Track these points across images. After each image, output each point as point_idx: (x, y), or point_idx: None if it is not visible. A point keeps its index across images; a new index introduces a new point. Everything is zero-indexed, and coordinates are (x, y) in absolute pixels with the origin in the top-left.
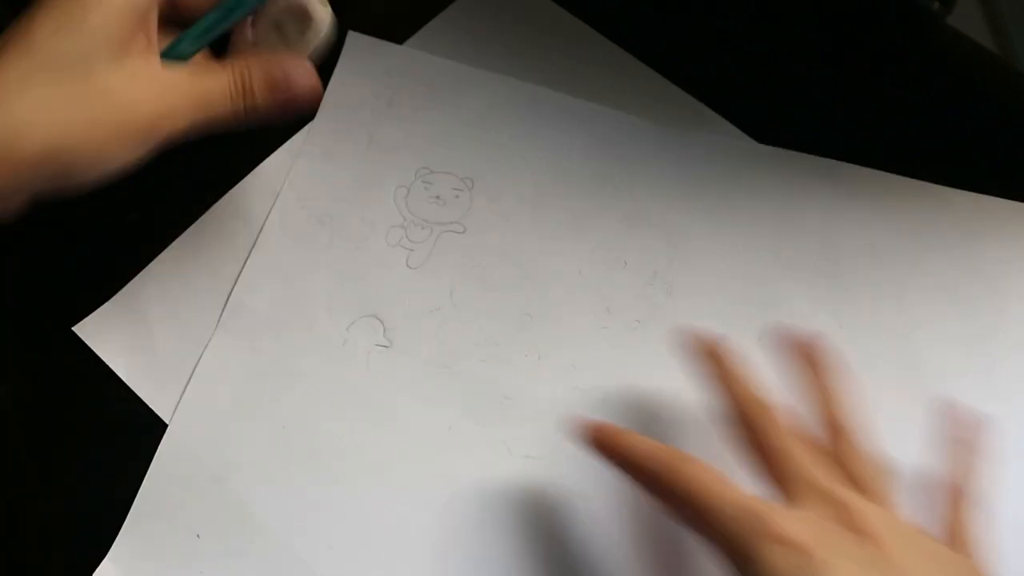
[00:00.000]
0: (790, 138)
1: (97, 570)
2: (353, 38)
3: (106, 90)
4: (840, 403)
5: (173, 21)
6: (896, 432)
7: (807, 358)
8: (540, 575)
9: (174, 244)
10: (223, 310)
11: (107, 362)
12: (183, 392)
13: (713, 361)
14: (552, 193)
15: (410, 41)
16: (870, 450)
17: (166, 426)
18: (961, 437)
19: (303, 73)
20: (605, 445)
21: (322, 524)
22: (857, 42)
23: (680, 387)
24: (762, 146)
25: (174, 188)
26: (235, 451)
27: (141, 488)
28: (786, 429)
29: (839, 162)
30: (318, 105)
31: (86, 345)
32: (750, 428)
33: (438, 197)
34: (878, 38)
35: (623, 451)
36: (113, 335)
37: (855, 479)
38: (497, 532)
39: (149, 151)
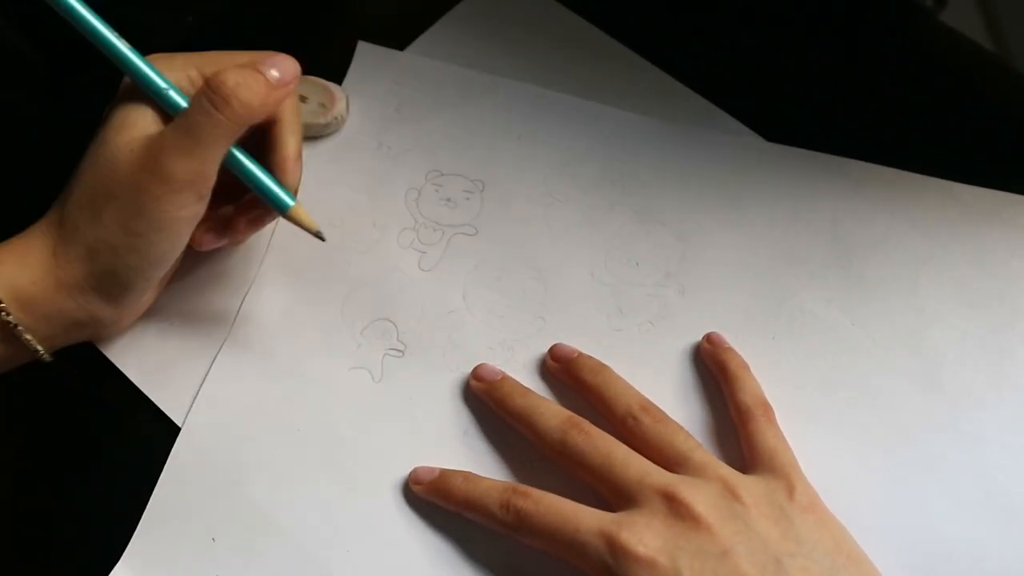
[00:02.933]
0: (797, 135)
1: (111, 573)
2: (362, 48)
3: (114, 166)
4: (625, 390)
5: None
6: (909, 425)
7: (568, 361)
8: None
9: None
10: (236, 313)
11: (119, 365)
12: (196, 395)
13: (494, 398)
14: (562, 193)
15: (414, 44)
16: (668, 421)
17: (179, 430)
18: (724, 358)
19: (283, 59)
20: (440, 493)
21: (339, 527)
22: (857, 39)
23: (693, 387)
24: (771, 144)
25: None
26: (250, 454)
27: (155, 491)
28: (599, 436)
29: (848, 159)
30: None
31: (98, 349)
32: (563, 454)
33: (449, 199)
34: (875, 35)
35: (459, 498)
36: (125, 338)
37: (670, 457)
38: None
39: (187, 205)
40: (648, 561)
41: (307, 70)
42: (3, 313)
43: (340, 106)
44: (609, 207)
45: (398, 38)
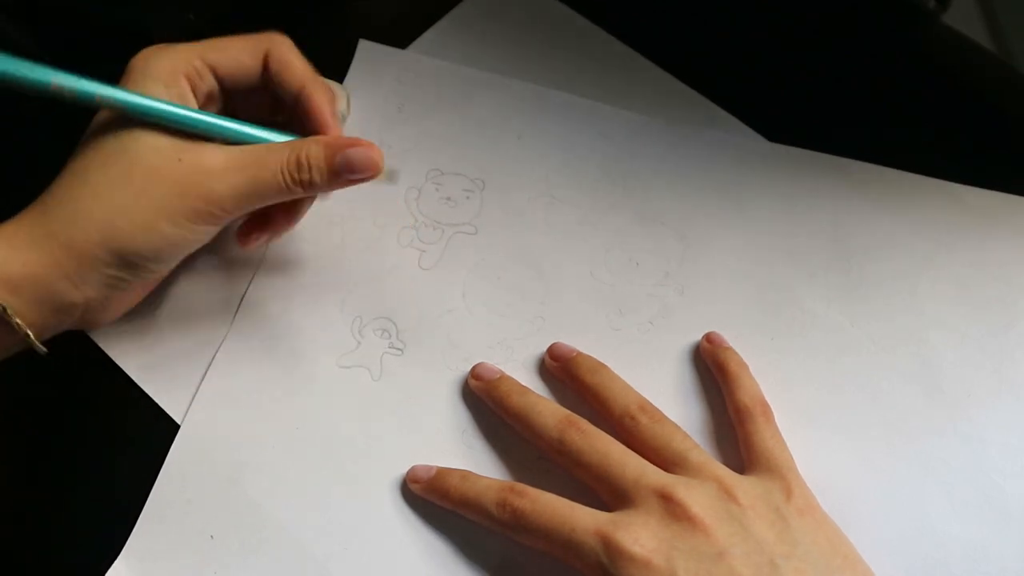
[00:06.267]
0: (798, 136)
1: (110, 570)
2: (364, 46)
3: (154, 168)
4: (623, 389)
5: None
6: (908, 427)
7: (568, 360)
8: None
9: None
10: (236, 311)
11: (119, 363)
12: (195, 393)
13: (492, 396)
14: (562, 193)
15: (417, 42)
16: (666, 421)
17: (178, 427)
18: (723, 358)
19: (362, 158)
20: (437, 492)
21: (336, 525)
22: (860, 40)
23: (692, 387)
24: (773, 144)
25: None
26: (248, 452)
27: (154, 488)
28: (596, 436)
29: (849, 160)
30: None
31: (98, 346)
32: (561, 453)
33: (449, 198)
34: (877, 37)
35: (456, 496)
36: (125, 335)
37: (667, 457)
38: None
39: (208, 228)
40: (643, 561)
41: None
42: None
43: (341, 104)
44: (609, 207)
45: (400, 36)
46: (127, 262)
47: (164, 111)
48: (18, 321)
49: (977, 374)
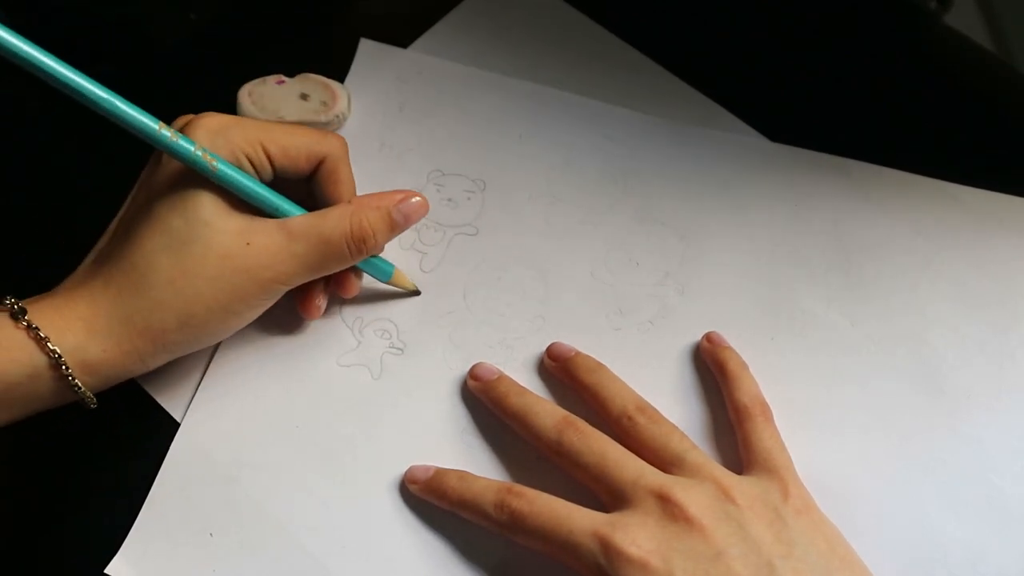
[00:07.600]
0: (800, 135)
1: (109, 566)
2: (365, 45)
3: (226, 255)
4: (621, 389)
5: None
6: (908, 427)
7: (565, 360)
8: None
9: None
10: None
11: None
12: (195, 391)
13: (490, 397)
14: (563, 193)
15: (418, 42)
16: (664, 422)
17: (178, 425)
18: (723, 357)
19: (417, 207)
20: (435, 493)
21: (335, 523)
22: (861, 41)
23: (692, 387)
24: (774, 144)
25: None
26: (248, 450)
27: (153, 486)
28: (594, 436)
29: (851, 160)
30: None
31: None
32: (559, 454)
33: (450, 199)
34: (879, 37)
35: (454, 497)
36: None
37: (665, 458)
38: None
39: (274, 300)
40: (641, 562)
41: (309, 67)
42: (70, 379)
43: (342, 104)
44: (610, 206)
45: (401, 36)
46: (199, 340)
47: (247, 187)
48: (90, 395)
49: (977, 375)
